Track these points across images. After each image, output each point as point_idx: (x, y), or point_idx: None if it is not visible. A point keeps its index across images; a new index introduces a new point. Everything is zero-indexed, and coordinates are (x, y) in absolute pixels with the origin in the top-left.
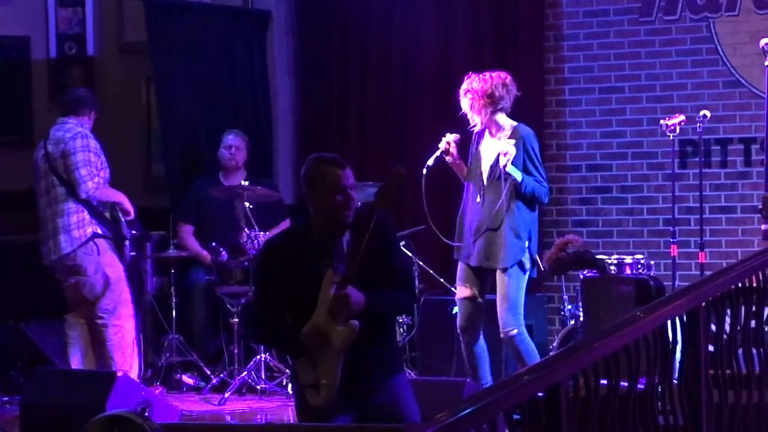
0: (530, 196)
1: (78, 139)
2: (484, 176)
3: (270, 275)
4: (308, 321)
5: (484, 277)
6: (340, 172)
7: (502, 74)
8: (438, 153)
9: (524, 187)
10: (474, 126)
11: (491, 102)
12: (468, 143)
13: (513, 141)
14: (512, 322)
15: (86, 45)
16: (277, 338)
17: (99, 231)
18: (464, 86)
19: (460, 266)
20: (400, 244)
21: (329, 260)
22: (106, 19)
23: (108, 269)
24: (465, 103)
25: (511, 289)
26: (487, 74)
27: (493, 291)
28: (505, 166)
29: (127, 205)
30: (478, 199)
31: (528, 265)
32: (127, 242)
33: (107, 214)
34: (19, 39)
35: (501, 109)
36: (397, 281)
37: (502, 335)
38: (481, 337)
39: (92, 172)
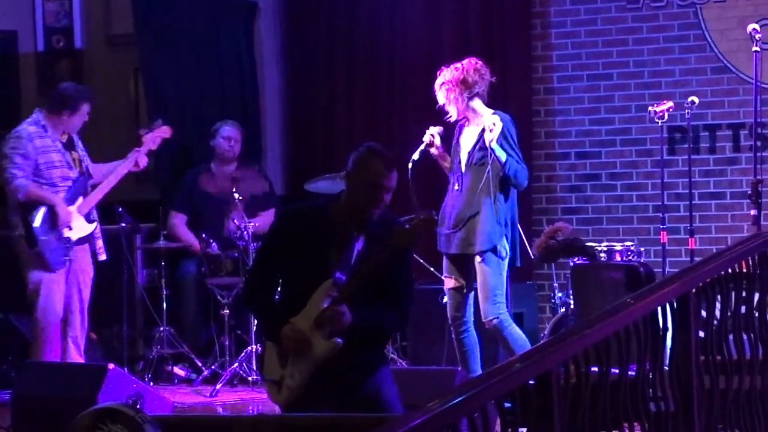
0: (513, 177)
1: (12, 139)
2: (463, 164)
3: (277, 244)
4: (295, 306)
5: (467, 266)
6: (383, 169)
7: (473, 60)
8: (422, 146)
9: (507, 167)
10: (450, 117)
11: (466, 88)
12: (452, 136)
13: (497, 117)
14: (492, 311)
15: (74, 38)
16: (260, 312)
17: (23, 233)
18: (438, 81)
19: (445, 258)
20: None
21: (335, 263)
22: (94, 12)
23: (25, 271)
24: (441, 96)
25: (488, 277)
26: (458, 63)
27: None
28: (491, 142)
29: (59, 209)
30: (456, 187)
31: (506, 253)
32: (37, 249)
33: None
34: (6, 33)
35: (476, 95)
36: (394, 301)
37: (486, 325)
38: (472, 328)
39: (14, 174)
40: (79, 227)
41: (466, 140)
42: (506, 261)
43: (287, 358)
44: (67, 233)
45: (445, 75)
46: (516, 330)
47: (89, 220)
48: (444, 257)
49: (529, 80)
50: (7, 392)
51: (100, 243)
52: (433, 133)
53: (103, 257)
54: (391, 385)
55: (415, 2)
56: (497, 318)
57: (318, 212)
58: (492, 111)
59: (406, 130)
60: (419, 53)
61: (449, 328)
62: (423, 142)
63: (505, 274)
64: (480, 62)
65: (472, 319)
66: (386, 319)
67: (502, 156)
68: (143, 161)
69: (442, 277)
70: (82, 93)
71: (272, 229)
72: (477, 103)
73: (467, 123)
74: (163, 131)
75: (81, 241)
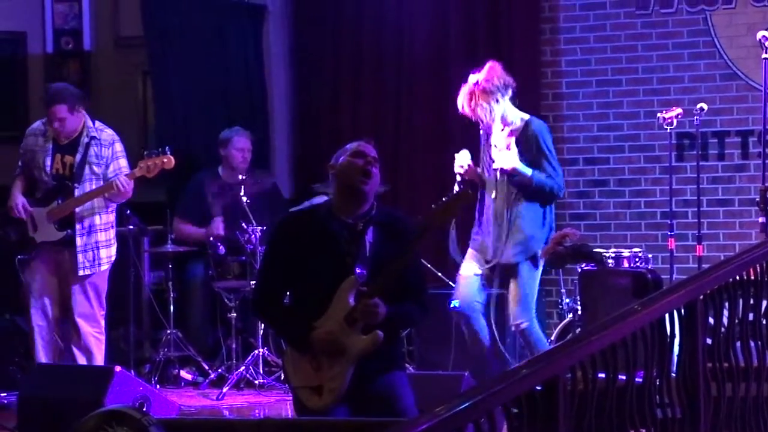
0: (538, 189)
1: None
2: (498, 171)
3: (281, 251)
4: (314, 308)
5: (492, 269)
6: (360, 143)
7: (493, 64)
8: (459, 179)
9: (534, 182)
10: (485, 124)
11: (497, 91)
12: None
13: (506, 134)
14: (522, 315)
15: (82, 40)
16: (277, 322)
17: None
18: (467, 93)
19: (470, 251)
20: None
21: (353, 259)
22: (102, 14)
23: None
24: (474, 106)
25: (523, 283)
26: (480, 73)
27: (502, 286)
28: (509, 169)
29: (8, 205)
30: (493, 195)
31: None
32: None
33: None
34: (15, 34)
35: (503, 98)
36: (412, 293)
37: (512, 327)
38: (481, 318)
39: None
40: (45, 231)
41: (499, 143)
42: (541, 267)
43: (320, 362)
44: (32, 233)
45: (472, 84)
46: (542, 336)
47: (60, 228)
48: (469, 250)
49: (537, 85)
50: (13, 394)
51: (83, 258)
52: (462, 164)
53: (81, 272)
54: (409, 394)
55: (422, 6)
56: (528, 322)
57: (315, 212)
58: (526, 116)
59: (413, 132)
60: (427, 57)
61: (456, 332)
62: (457, 174)
63: (538, 279)
64: (499, 64)
65: (482, 309)
66: (410, 310)
67: (528, 172)
68: (127, 186)
69: (451, 282)
70: (49, 92)
71: (273, 237)
72: (508, 104)
73: (503, 123)
74: (165, 161)
75: (53, 245)
